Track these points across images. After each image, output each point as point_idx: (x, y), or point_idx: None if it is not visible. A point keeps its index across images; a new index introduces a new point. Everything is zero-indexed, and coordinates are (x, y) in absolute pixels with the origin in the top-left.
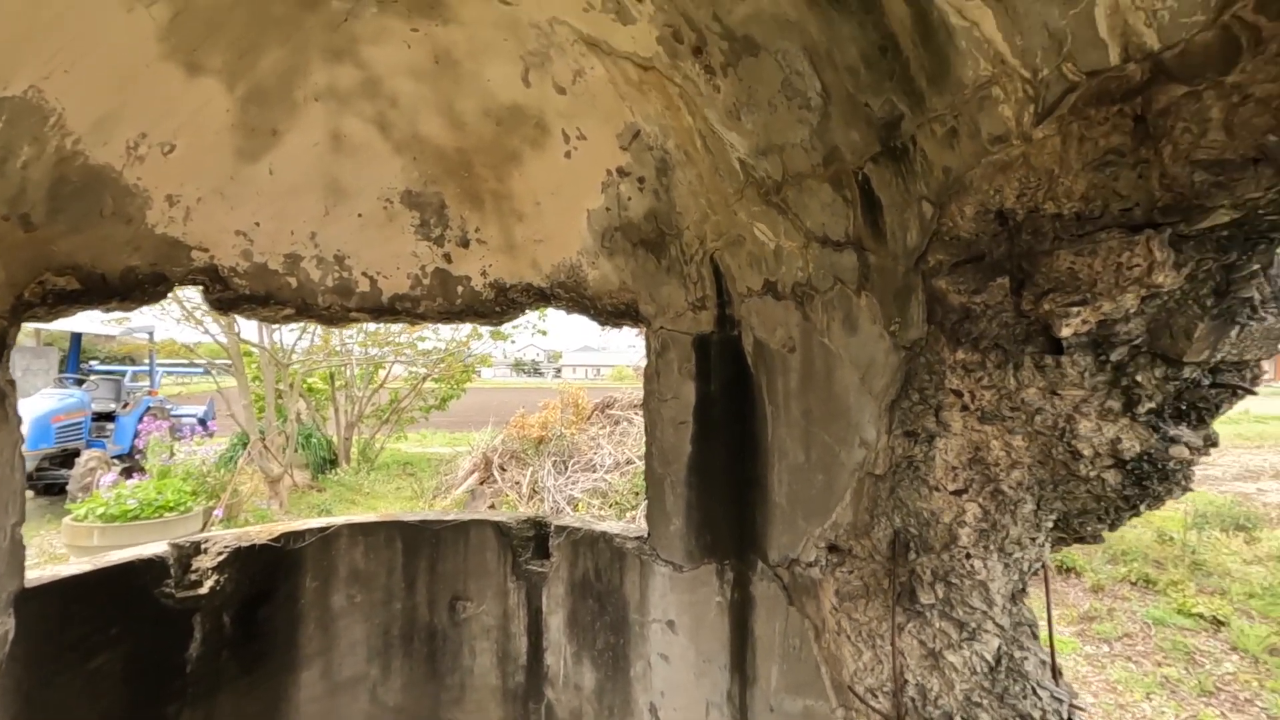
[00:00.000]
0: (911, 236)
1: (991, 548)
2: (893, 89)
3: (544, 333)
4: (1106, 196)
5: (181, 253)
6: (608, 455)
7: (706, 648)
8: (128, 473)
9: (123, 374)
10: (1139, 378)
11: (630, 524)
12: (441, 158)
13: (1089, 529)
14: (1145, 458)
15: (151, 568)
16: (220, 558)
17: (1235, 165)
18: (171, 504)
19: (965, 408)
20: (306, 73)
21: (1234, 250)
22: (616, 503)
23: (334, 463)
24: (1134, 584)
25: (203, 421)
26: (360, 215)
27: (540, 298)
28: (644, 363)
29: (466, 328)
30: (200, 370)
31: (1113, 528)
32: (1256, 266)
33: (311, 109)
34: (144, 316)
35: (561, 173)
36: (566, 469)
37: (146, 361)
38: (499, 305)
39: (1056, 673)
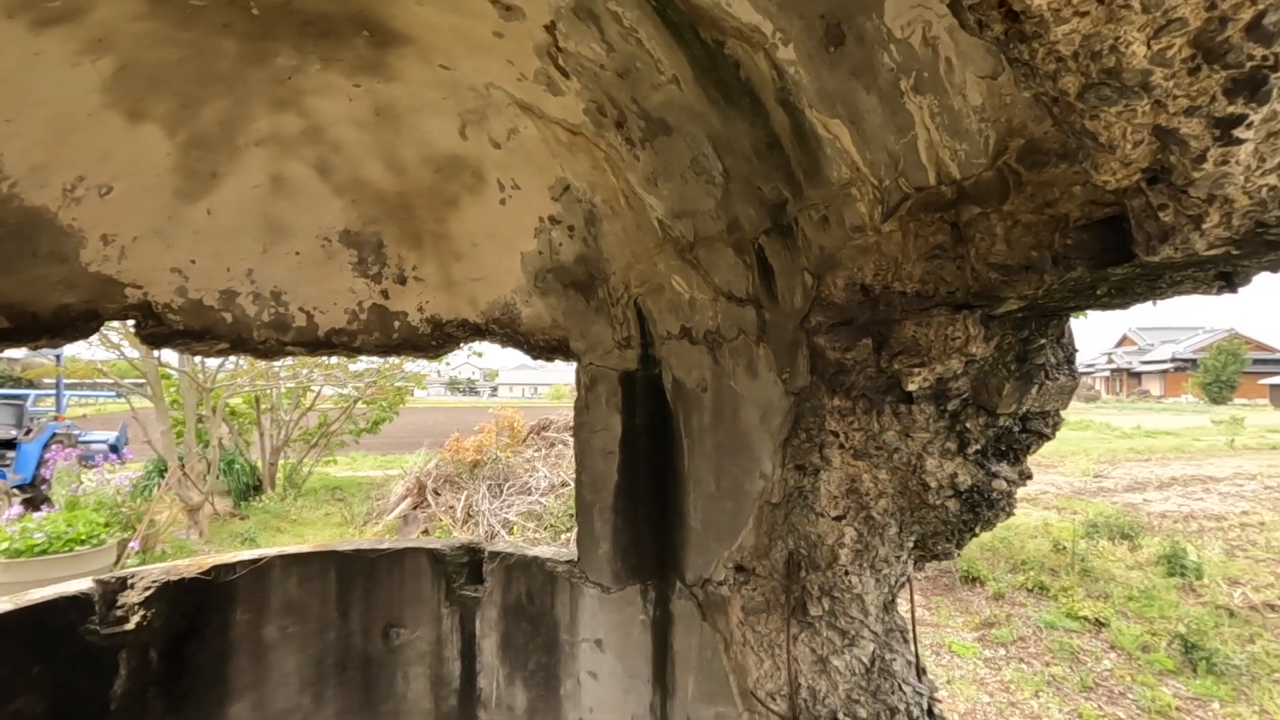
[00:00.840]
0: (797, 300)
1: (865, 565)
2: (779, 178)
3: (479, 354)
4: (936, 281)
5: (115, 290)
6: (543, 478)
7: (632, 664)
8: (31, 504)
9: (24, 398)
10: (968, 424)
11: (562, 548)
12: (381, 200)
13: (940, 548)
14: (975, 489)
15: (76, 605)
16: (148, 593)
17: (1014, 269)
18: (83, 536)
19: (842, 446)
20: (249, 120)
21: (1027, 328)
22: (551, 525)
23: (258, 489)
24: (1030, 591)
25: (115, 448)
26: (298, 253)
27: (476, 333)
28: None
29: None
30: (112, 394)
31: (959, 546)
32: (1043, 341)
33: (253, 153)
34: None
35: (497, 217)
36: (502, 492)
37: (51, 384)
38: (435, 340)
39: (920, 671)
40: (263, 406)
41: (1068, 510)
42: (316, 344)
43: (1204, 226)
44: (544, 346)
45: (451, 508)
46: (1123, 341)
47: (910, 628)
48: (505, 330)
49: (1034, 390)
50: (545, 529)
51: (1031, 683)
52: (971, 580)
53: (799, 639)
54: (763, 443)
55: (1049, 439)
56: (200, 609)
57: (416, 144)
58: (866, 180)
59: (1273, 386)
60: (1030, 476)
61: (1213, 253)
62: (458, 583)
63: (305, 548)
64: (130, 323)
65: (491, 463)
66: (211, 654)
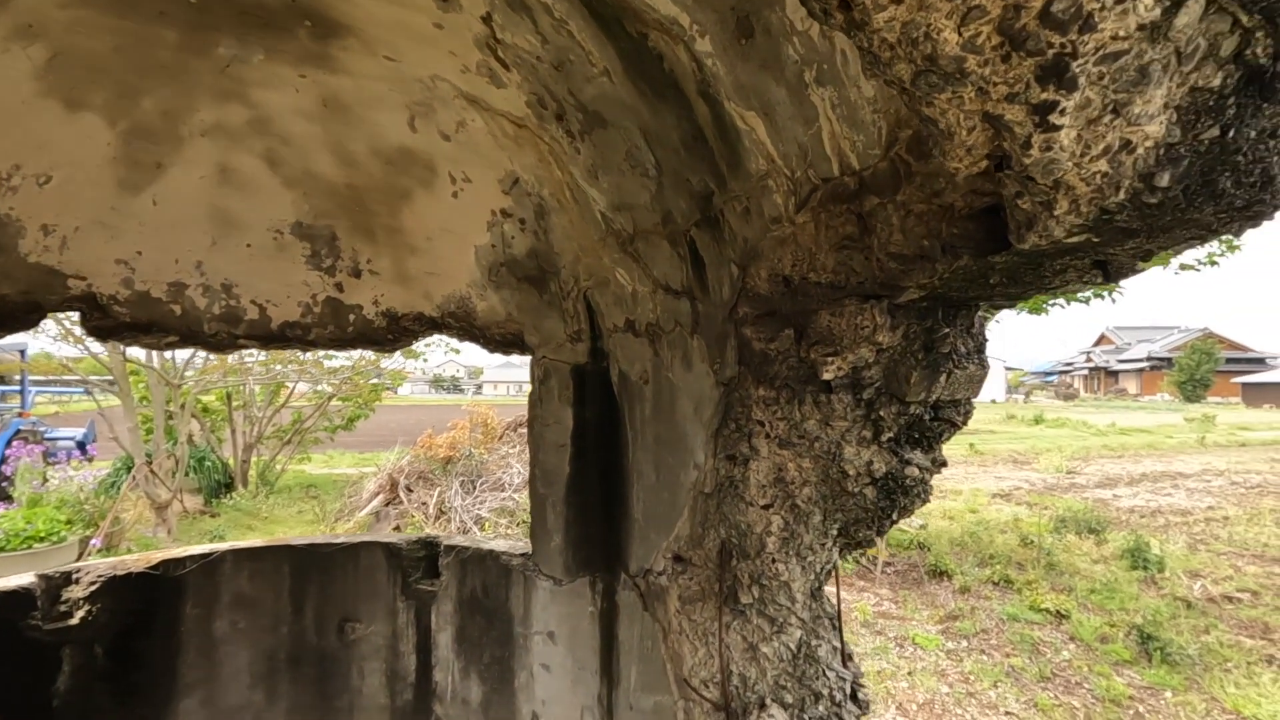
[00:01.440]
0: (725, 291)
1: (792, 553)
2: (705, 170)
3: (456, 351)
4: (847, 272)
5: (57, 281)
6: (517, 474)
7: (581, 655)
8: None
9: None
10: (882, 413)
11: (516, 542)
12: (333, 193)
13: (862, 535)
14: (890, 477)
15: (16, 600)
16: (93, 587)
17: (910, 258)
18: (42, 534)
19: (768, 435)
20: (193, 111)
21: (931, 317)
22: (524, 520)
23: (230, 486)
24: (996, 584)
25: (81, 445)
26: (249, 245)
27: (432, 326)
28: None
29: None
30: (80, 390)
31: (880, 534)
32: (948, 331)
33: (198, 144)
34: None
35: (450, 211)
36: (475, 488)
37: (16, 380)
38: (391, 333)
39: (846, 657)
40: (235, 403)
41: (1039, 506)
42: (270, 337)
43: (1056, 213)
44: (500, 340)
45: (424, 504)
46: (1100, 340)
47: (837, 614)
48: (461, 324)
49: (942, 379)
50: (518, 524)
51: (991, 674)
52: (939, 574)
53: (731, 627)
54: (696, 433)
55: (960, 427)
56: (149, 604)
57: (366, 136)
58: (781, 171)
59: (1245, 385)
60: (945, 464)
61: (1074, 240)
62: (414, 577)
63: (258, 542)
64: (75, 315)
65: (465, 459)
66: (160, 649)
